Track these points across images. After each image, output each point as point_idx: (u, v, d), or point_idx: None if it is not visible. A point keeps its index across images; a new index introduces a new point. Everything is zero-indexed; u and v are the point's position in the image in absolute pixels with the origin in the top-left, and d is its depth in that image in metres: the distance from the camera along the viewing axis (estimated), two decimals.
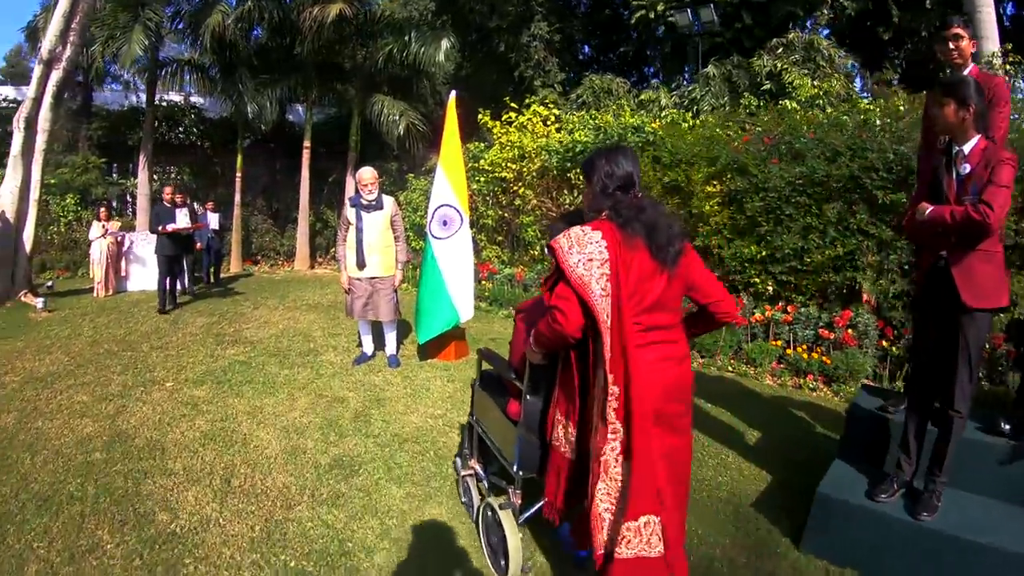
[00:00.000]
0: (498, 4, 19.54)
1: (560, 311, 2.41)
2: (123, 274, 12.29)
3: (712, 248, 8.13)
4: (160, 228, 9.72)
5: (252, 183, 18.25)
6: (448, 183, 6.83)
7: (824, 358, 6.63)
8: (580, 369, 2.59)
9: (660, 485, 2.45)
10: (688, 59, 18.27)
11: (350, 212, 6.30)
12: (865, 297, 7.12)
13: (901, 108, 8.85)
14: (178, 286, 11.44)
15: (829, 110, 10.12)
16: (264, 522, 3.64)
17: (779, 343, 7.12)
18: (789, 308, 7.33)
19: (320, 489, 4.04)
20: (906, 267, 6.86)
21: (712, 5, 15.48)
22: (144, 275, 12.32)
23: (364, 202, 6.26)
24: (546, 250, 3.06)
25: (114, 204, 17.60)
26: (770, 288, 7.69)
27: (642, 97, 15.59)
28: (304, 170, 16.38)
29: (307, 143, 16.31)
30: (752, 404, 5.87)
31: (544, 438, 2.87)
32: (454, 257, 6.49)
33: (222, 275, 14.02)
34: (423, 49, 15.36)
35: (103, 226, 12.04)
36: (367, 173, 6.30)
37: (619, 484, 2.43)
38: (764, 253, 7.61)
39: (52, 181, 15.81)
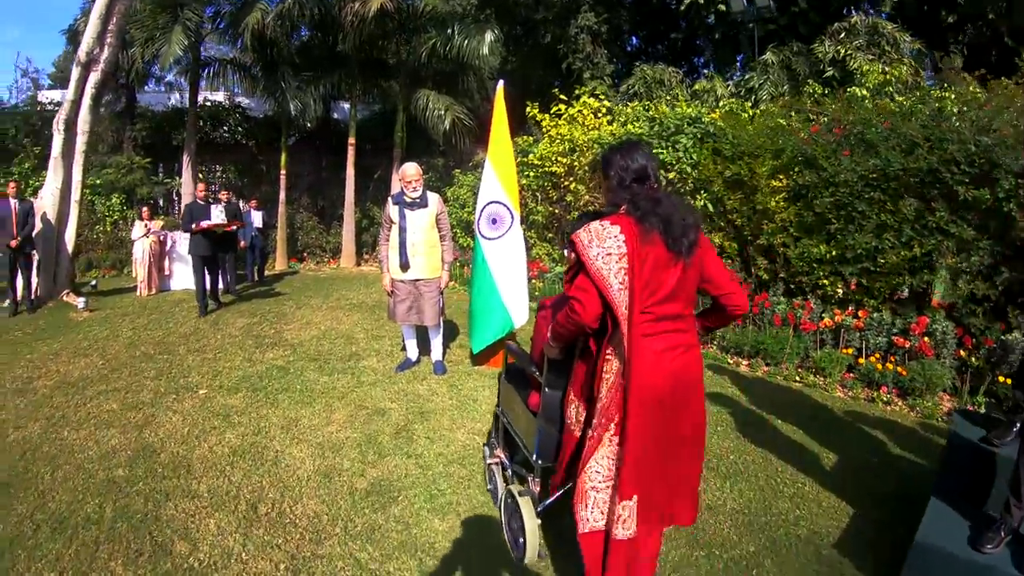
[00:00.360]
0: None
1: (579, 301, 2.48)
2: (166, 273, 12.14)
3: (777, 247, 7.63)
4: (193, 226, 9.25)
5: (297, 181, 18.13)
6: (497, 179, 6.33)
7: (899, 368, 6.11)
8: (596, 356, 2.64)
9: (651, 469, 2.54)
10: (741, 47, 17.65)
11: (393, 210, 5.89)
12: (936, 301, 6.57)
13: (979, 95, 8.15)
14: (220, 285, 11.27)
15: (899, 98, 9.43)
16: (290, 559, 3.21)
17: (850, 351, 6.58)
18: (860, 313, 6.79)
19: (354, 519, 3.60)
20: (986, 269, 6.30)
21: None
22: (187, 274, 12.05)
23: (408, 199, 5.83)
24: (566, 244, 3.12)
25: (160, 203, 17.69)
26: (840, 291, 7.16)
27: (696, 87, 14.91)
28: (349, 167, 16.14)
29: (352, 140, 16.06)
30: (824, 421, 5.38)
31: (561, 425, 2.92)
32: (506, 258, 5.88)
33: (267, 273, 13.83)
34: (467, 42, 14.98)
35: (145, 225, 11.91)
36: (411, 169, 5.84)
37: (612, 464, 2.55)
38: (834, 253, 7.05)
39: (98, 181, 16.10)
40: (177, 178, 17.06)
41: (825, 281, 7.19)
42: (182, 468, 4.15)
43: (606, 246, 2.45)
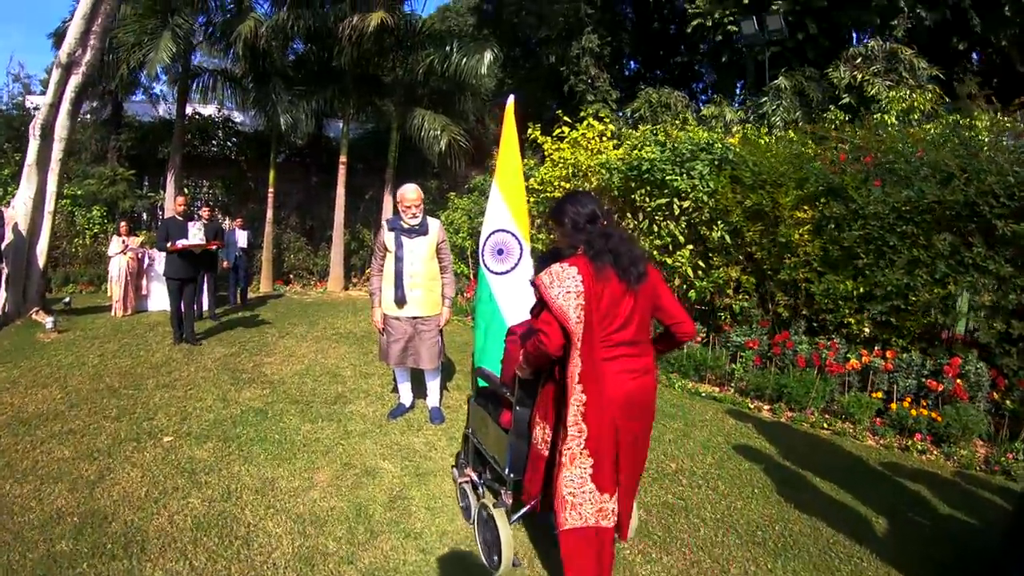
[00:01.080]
0: (546, 14, 18.70)
1: (544, 334, 2.78)
2: (144, 292, 11.51)
3: (799, 282, 7.15)
4: (168, 245, 8.21)
5: (285, 199, 17.62)
6: (505, 204, 5.76)
7: (933, 413, 5.69)
8: (558, 381, 2.96)
9: (617, 472, 2.90)
10: (746, 72, 17.35)
11: (388, 237, 5.25)
12: (958, 335, 6.16)
13: (1007, 123, 7.71)
14: (200, 308, 10.64)
15: (927, 125, 8.96)
16: None
17: (879, 395, 6.12)
18: (887, 353, 6.31)
19: None
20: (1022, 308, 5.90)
21: (779, 13, 14.39)
22: (165, 295, 11.46)
23: (406, 226, 5.21)
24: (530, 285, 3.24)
25: (144, 218, 17.08)
26: (866, 330, 6.64)
27: (703, 112, 14.46)
28: (340, 186, 15.62)
29: (343, 158, 15.56)
30: (861, 475, 4.90)
31: (529, 442, 3.21)
32: (518, 296, 5.24)
33: (251, 296, 13.17)
34: (465, 60, 14.60)
35: (123, 241, 11.30)
36: (411, 192, 5.20)
37: (584, 473, 2.84)
38: (861, 289, 6.57)
39: (79, 192, 15.59)
40: (162, 192, 16.40)
41: (851, 319, 6.70)
42: (135, 544, 3.47)
43: (565, 285, 2.75)
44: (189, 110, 16.41)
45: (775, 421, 6.12)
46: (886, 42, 13.90)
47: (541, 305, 2.87)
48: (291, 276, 16.48)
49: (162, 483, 4.20)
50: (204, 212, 11.16)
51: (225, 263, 12.02)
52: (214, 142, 18.65)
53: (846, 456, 5.28)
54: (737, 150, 8.29)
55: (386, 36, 14.24)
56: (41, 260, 10.33)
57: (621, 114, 16.48)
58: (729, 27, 15.68)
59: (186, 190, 16.89)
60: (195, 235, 8.77)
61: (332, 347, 8.39)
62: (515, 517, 3.37)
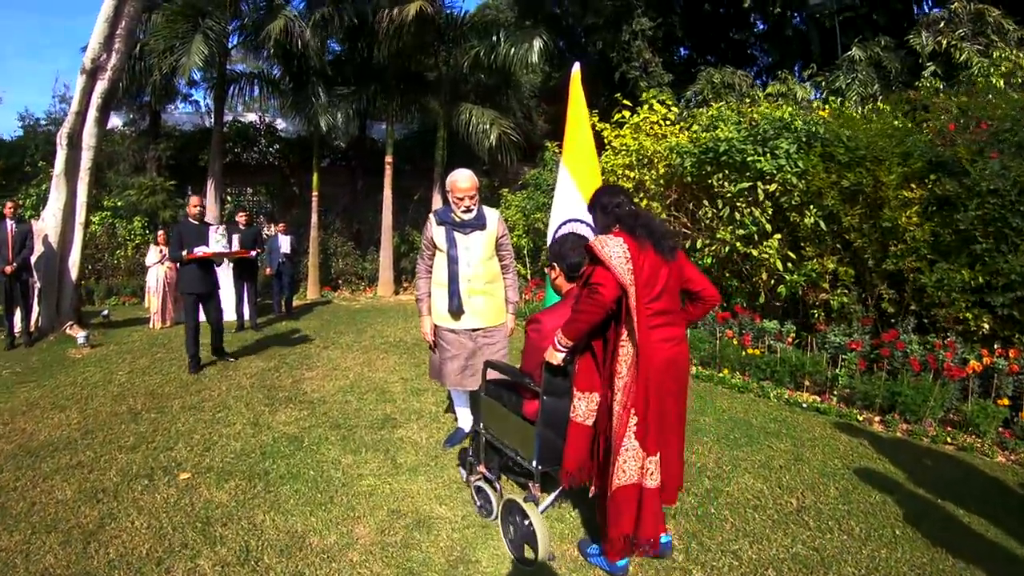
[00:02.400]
0: (592, 0, 17.76)
1: (601, 285, 2.88)
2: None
3: (906, 273, 6.33)
4: (185, 254, 6.92)
5: (331, 203, 17.13)
6: (577, 189, 4.89)
7: None
8: (604, 346, 3.08)
9: (663, 432, 3.01)
10: (810, 46, 16.23)
11: (437, 232, 4.37)
12: None
13: None
14: (241, 319, 10.02)
15: None
16: None
17: (1005, 401, 5.34)
18: (1011, 352, 5.54)
19: None
20: None
21: None
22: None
23: (459, 219, 4.33)
24: (553, 260, 3.57)
25: None
26: (985, 326, 5.83)
27: (770, 90, 13.26)
28: (386, 188, 15.01)
29: (389, 158, 14.95)
30: (1004, 502, 4.06)
31: (563, 427, 3.18)
32: None
33: (296, 303, 12.53)
34: (513, 50, 13.83)
35: (160, 251, 10.76)
36: (463, 179, 4.29)
37: (630, 431, 2.94)
38: (980, 279, 5.77)
39: (119, 203, 15.36)
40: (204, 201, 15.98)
41: (968, 314, 5.86)
42: None
43: (615, 251, 2.91)
44: (229, 117, 16.04)
45: (893, 437, 5.26)
46: (969, 3, 12.63)
47: (595, 264, 2.96)
48: (339, 282, 15.94)
49: (169, 536, 3.38)
50: (241, 217, 10.50)
51: (268, 270, 11.53)
52: (256, 149, 18.27)
53: (979, 477, 4.48)
54: (830, 123, 7.31)
55: (426, 28, 13.60)
56: (74, 273, 9.81)
57: (682, 98, 15.37)
58: None
59: (228, 198, 16.46)
60: (217, 241, 7.18)
61: (380, 358, 7.60)
62: (542, 508, 3.35)
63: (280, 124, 18.58)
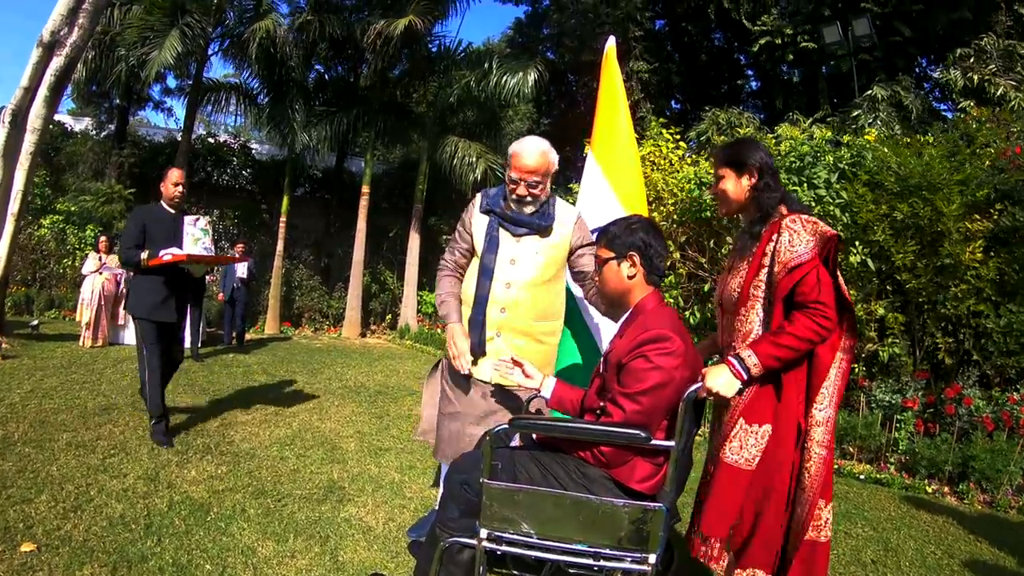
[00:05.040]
0: (587, 36, 17.44)
1: (828, 307, 2.16)
2: (120, 322, 9.62)
3: (963, 317, 5.69)
4: (145, 256, 4.49)
5: (301, 235, 16.21)
6: (611, 188, 3.72)
7: None
8: (829, 368, 2.28)
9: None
10: (818, 90, 16.02)
11: (478, 222, 3.04)
12: None
13: None
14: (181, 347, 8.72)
15: None
16: None
17: None
18: None
19: None
20: None
21: (867, 16, 12.99)
22: None
23: (511, 211, 2.96)
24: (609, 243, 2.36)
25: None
26: None
27: (779, 131, 12.66)
28: (361, 220, 14.03)
29: (366, 188, 14.10)
30: None
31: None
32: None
33: (250, 336, 11.28)
34: (506, 79, 13.17)
35: (99, 259, 9.46)
36: (530, 152, 2.85)
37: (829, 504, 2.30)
38: None
39: (72, 209, 14.04)
40: None
41: None
42: None
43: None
44: (202, 130, 15.16)
45: (969, 511, 4.60)
46: (999, 39, 12.43)
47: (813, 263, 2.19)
48: (302, 318, 14.67)
49: None
50: (239, 248, 9.42)
51: (220, 296, 10.29)
52: (227, 170, 17.25)
53: None
54: (877, 148, 6.46)
55: (417, 50, 13.35)
56: None
57: (685, 139, 14.94)
58: (803, 44, 14.40)
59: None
60: (196, 240, 4.64)
61: (334, 405, 6.32)
62: None
63: (255, 146, 17.64)
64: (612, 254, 2.35)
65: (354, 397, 6.82)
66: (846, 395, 5.89)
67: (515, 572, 2.44)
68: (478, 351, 2.92)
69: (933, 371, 5.92)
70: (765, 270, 2.28)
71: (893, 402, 5.62)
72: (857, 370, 6.02)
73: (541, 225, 2.93)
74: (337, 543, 3.12)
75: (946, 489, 4.98)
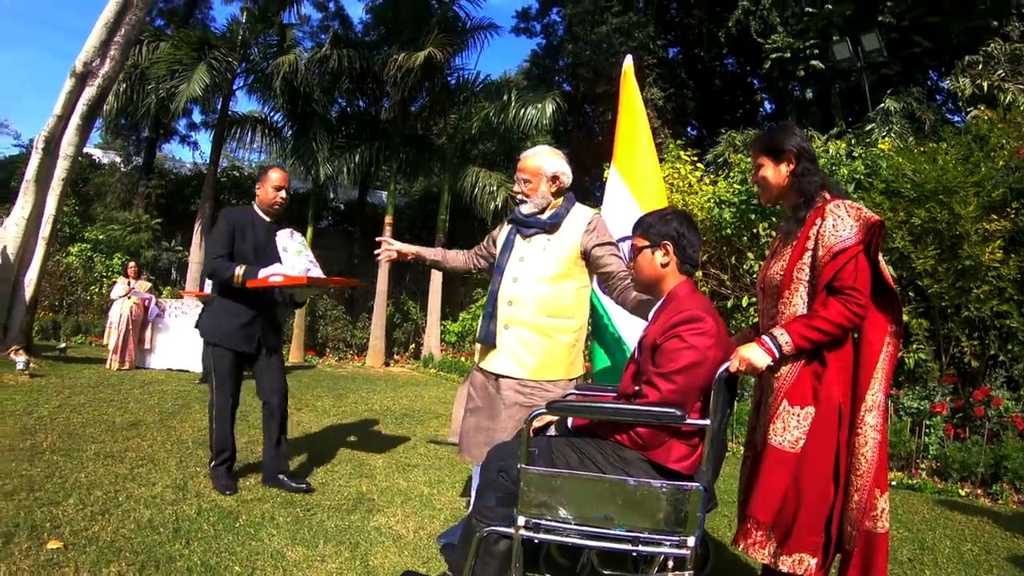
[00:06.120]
0: (602, 66, 17.82)
1: (861, 293, 2.17)
2: (147, 346, 9.70)
3: (986, 319, 5.61)
4: (239, 272, 3.74)
5: (325, 266, 15.80)
6: (634, 200, 3.83)
7: None
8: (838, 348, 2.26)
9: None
10: (832, 106, 16.14)
11: (503, 231, 3.31)
12: None
13: None
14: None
15: None
16: None
17: None
18: None
19: None
20: None
21: (876, 32, 13.01)
22: (172, 350, 9.77)
23: (521, 215, 3.16)
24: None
25: (172, 275, 15.56)
26: None
27: None
28: None
29: (389, 219, 14.12)
30: None
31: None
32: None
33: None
34: (524, 111, 13.29)
35: (128, 283, 9.57)
36: (525, 154, 3.21)
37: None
38: None
39: (100, 237, 14.32)
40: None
41: None
42: None
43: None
44: (225, 163, 15.50)
45: (1005, 511, 4.54)
46: (1006, 43, 12.35)
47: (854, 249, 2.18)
48: (326, 347, 14.65)
49: None
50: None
51: None
52: (252, 203, 17.30)
53: None
54: (893, 157, 6.48)
55: (436, 82, 13.55)
56: (29, 291, 8.69)
57: (703, 161, 15.13)
58: (812, 61, 14.60)
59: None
60: (299, 254, 3.83)
61: (362, 427, 6.28)
62: None
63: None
64: (647, 243, 2.43)
65: (380, 419, 6.76)
66: None
67: (548, 574, 2.39)
68: (487, 342, 3.08)
69: (960, 375, 5.86)
70: (809, 253, 2.27)
71: (922, 408, 5.56)
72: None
73: (548, 223, 3.10)
74: (367, 549, 3.05)
75: (979, 491, 4.96)
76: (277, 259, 3.79)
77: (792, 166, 2.38)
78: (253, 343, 3.97)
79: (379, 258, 3.41)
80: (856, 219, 2.21)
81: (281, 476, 3.92)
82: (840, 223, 2.21)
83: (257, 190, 4.14)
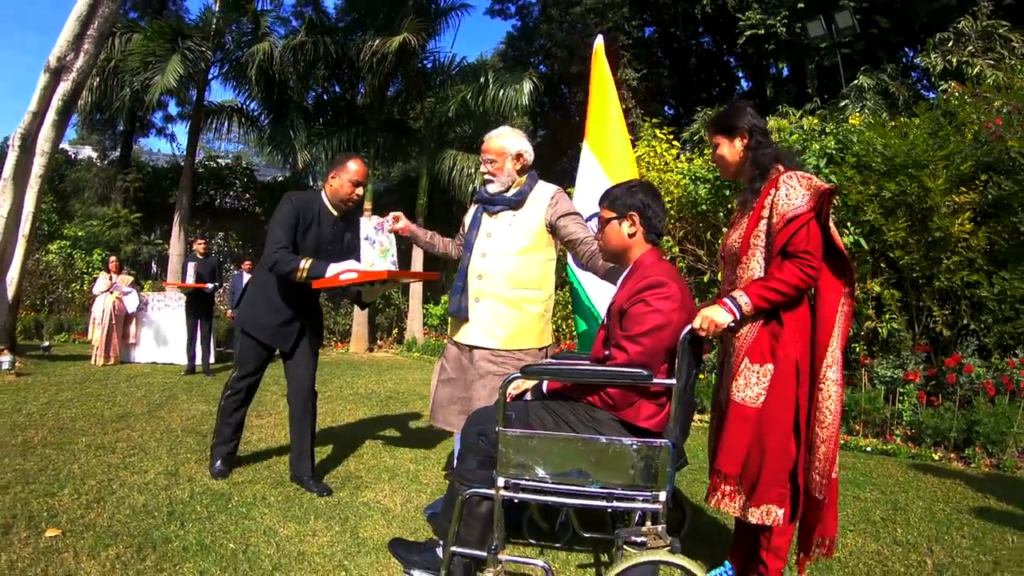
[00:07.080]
0: (577, 46, 17.99)
1: (814, 256, 2.31)
2: (131, 340, 9.73)
3: (957, 289, 5.76)
4: (307, 265, 3.40)
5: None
6: (606, 176, 3.97)
7: None
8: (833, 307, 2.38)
9: None
10: (808, 81, 16.29)
11: (471, 212, 3.45)
12: None
13: None
14: (192, 362, 8.82)
15: None
16: None
17: None
18: None
19: None
20: None
21: (850, 8, 13.23)
22: (157, 344, 9.82)
23: (487, 193, 3.30)
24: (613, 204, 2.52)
25: (153, 268, 15.53)
26: None
27: (768, 124, 12.86)
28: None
29: (368, 206, 14.02)
30: None
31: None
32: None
33: None
34: (502, 91, 13.40)
35: (109, 279, 9.57)
36: (489, 136, 3.29)
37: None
38: None
39: (80, 234, 14.34)
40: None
41: None
42: None
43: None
44: (202, 155, 15.42)
45: (985, 473, 4.70)
46: (976, 20, 12.60)
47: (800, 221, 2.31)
48: None
49: None
50: (199, 245, 9.37)
51: (229, 312, 10.40)
52: (230, 193, 17.49)
53: None
54: (863, 132, 6.50)
55: (412, 67, 13.56)
56: (11, 291, 8.66)
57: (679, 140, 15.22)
58: (782, 34, 14.80)
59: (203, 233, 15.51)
60: (386, 253, 3.52)
61: (347, 409, 6.39)
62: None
63: (256, 167, 17.97)
64: (614, 214, 2.54)
65: (365, 402, 6.87)
66: (848, 373, 5.96)
67: (532, 540, 2.51)
68: (459, 315, 3.24)
69: (932, 344, 5.98)
70: (764, 222, 2.40)
71: (895, 377, 5.69)
72: (858, 348, 6.09)
73: (512, 200, 3.23)
74: (357, 523, 3.18)
75: (952, 455, 5.09)
76: (339, 259, 3.46)
77: (746, 140, 2.52)
78: (290, 343, 3.76)
79: (397, 226, 3.46)
80: (807, 188, 2.33)
81: (303, 477, 3.71)
82: (792, 192, 2.33)
83: (330, 179, 3.70)
